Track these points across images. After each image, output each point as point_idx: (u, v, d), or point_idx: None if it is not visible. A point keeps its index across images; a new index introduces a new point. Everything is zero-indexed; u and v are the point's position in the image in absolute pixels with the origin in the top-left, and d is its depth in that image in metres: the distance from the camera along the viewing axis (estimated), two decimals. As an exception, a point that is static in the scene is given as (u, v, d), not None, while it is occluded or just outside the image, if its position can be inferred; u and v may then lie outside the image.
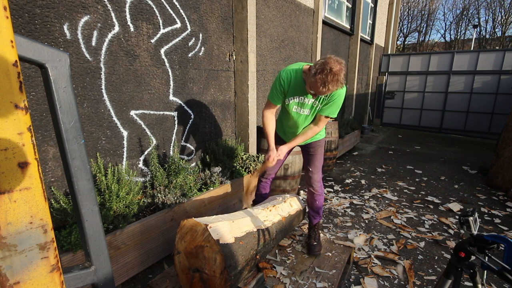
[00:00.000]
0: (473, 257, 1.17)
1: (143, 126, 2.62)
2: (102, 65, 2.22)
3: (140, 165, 2.66)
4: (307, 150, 2.28)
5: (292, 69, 1.97)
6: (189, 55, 2.96)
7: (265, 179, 2.42)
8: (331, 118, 2.02)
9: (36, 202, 0.60)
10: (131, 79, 2.45)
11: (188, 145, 3.14)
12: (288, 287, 1.92)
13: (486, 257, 1.07)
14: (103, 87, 2.26)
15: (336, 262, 2.16)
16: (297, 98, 1.99)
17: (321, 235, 2.46)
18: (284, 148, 2.07)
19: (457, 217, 3.35)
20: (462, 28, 23.49)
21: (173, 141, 2.94)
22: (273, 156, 2.03)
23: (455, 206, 3.60)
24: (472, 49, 16.75)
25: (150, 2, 2.49)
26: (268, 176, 2.41)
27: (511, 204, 3.73)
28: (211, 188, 2.81)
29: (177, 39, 2.79)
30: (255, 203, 2.49)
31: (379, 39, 9.80)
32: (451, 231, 3.00)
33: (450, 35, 24.40)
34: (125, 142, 2.49)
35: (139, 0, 2.40)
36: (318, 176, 2.26)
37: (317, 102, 1.99)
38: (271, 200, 2.30)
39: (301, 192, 3.97)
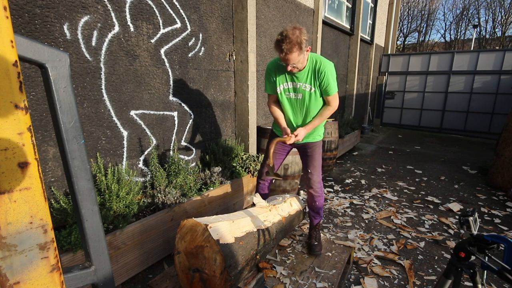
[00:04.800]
0: (473, 257, 1.17)
1: (143, 126, 2.62)
2: (102, 65, 2.22)
3: (140, 165, 2.66)
4: (304, 151, 2.26)
5: (277, 57, 2.02)
6: (189, 55, 2.96)
7: (263, 181, 2.41)
8: (335, 93, 2.01)
9: (36, 202, 0.60)
10: (131, 79, 2.45)
11: (188, 145, 3.14)
12: (288, 287, 1.92)
13: (486, 257, 1.07)
14: (103, 87, 2.26)
15: (336, 262, 2.16)
16: (285, 84, 2.04)
17: (321, 235, 2.46)
18: (302, 131, 2.02)
19: (457, 217, 3.35)
20: (462, 28, 23.52)
21: (173, 141, 2.94)
22: (289, 132, 2.05)
23: (455, 206, 3.60)
24: (472, 49, 16.75)
25: (150, 2, 2.49)
26: (265, 177, 2.39)
27: (511, 204, 3.73)
28: (211, 188, 2.81)
29: (177, 39, 2.79)
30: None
31: (379, 39, 9.80)
32: (451, 231, 3.00)
33: (450, 35, 24.42)
34: (125, 142, 2.49)
35: (139, 0, 2.40)
36: (318, 177, 2.25)
37: (305, 84, 1.99)
38: (271, 200, 2.30)
39: (301, 192, 3.97)
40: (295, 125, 2.16)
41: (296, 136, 2.00)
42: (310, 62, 1.94)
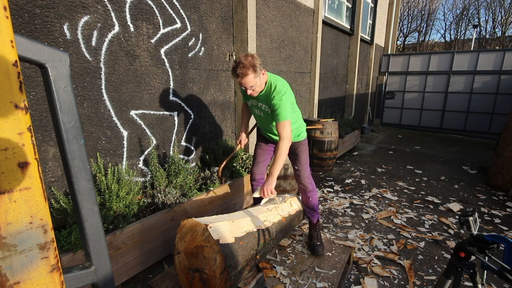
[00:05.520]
0: (473, 257, 1.17)
1: (143, 126, 2.62)
2: (102, 65, 2.22)
3: (140, 165, 2.66)
4: (291, 149, 2.30)
5: None
6: (189, 55, 2.96)
7: (255, 181, 2.45)
8: (283, 121, 1.94)
9: (36, 202, 0.60)
10: (131, 79, 2.45)
11: (188, 145, 3.14)
12: (288, 287, 1.92)
13: (486, 257, 1.07)
14: (103, 87, 2.26)
15: (336, 262, 2.16)
16: (251, 101, 2.19)
17: (321, 235, 2.46)
18: (270, 181, 1.89)
19: (457, 217, 3.35)
20: (462, 28, 23.52)
21: (173, 141, 2.94)
22: (241, 138, 2.46)
23: (455, 206, 3.60)
24: (472, 49, 16.75)
25: (150, 2, 2.49)
26: (257, 177, 2.43)
27: (511, 204, 3.73)
28: (211, 188, 2.81)
29: (177, 39, 2.79)
30: (255, 205, 2.50)
31: (379, 39, 9.80)
32: (451, 231, 3.00)
33: (450, 35, 24.42)
34: (125, 142, 2.49)
35: (139, 0, 2.40)
36: (306, 173, 2.28)
37: (264, 105, 2.10)
38: (271, 200, 2.30)
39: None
40: (264, 131, 2.32)
41: (266, 190, 1.88)
42: (267, 86, 2.01)
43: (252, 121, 3.03)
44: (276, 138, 2.23)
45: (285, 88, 2.02)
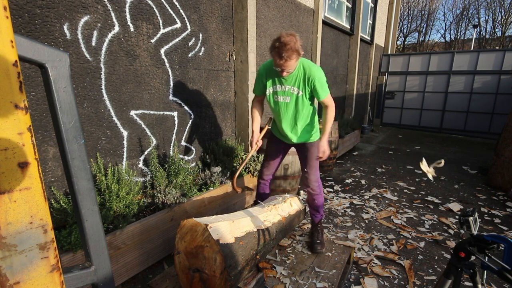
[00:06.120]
0: (473, 257, 1.17)
1: (143, 126, 2.62)
2: (102, 65, 2.22)
3: (140, 165, 2.66)
4: (301, 150, 2.30)
5: (270, 60, 2.07)
6: (189, 55, 2.96)
7: (264, 181, 2.44)
8: (327, 96, 2.06)
9: (36, 202, 0.60)
10: (131, 79, 2.45)
11: (188, 145, 3.14)
12: (288, 287, 1.92)
13: (486, 257, 1.07)
14: (103, 87, 2.26)
15: (336, 262, 2.16)
16: (274, 87, 2.09)
17: (323, 234, 2.46)
18: (324, 142, 2.08)
19: (457, 217, 3.35)
20: (462, 28, 23.52)
21: (173, 141, 2.94)
22: (255, 138, 2.22)
23: (455, 206, 3.60)
24: (472, 49, 16.74)
25: (150, 2, 2.49)
26: (266, 177, 2.42)
27: (511, 204, 3.73)
28: (211, 188, 2.81)
29: (177, 39, 2.79)
30: (255, 205, 2.50)
31: (379, 39, 9.79)
32: (451, 231, 3.00)
33: (450, 35, 24.42)
34: (125, 142, 2.49)
35: (139, 0, 2.40)
36: (315, 176, 2.27)
37: (293, 87, 2.02)
38: (271, 200, 2.30)
39: (301, 192, 3.97)
40: (284, 129, 2.19)
41: (324, 152, 2.09)
42: (298, 66, 1.97)
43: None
44: (293, 136, 2.21)
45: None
